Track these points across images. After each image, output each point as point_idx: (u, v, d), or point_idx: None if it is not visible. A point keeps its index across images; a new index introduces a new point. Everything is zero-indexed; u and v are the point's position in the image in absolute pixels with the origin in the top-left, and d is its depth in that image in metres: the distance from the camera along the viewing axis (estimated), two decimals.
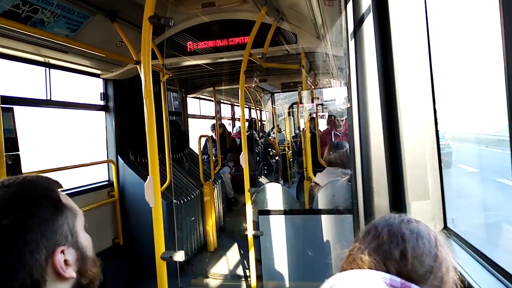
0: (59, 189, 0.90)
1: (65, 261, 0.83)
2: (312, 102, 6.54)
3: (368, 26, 1.66)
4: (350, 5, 1.77)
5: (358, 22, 1.69)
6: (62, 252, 0.83)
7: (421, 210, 1.42)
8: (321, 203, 3.18)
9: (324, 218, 3.14)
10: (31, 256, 0.78)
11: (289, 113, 9.84)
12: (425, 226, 0.93)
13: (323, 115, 7.83)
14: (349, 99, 1.79)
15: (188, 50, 4.19)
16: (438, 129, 1.47)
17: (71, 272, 0.84)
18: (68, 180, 4.13)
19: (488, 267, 1.10)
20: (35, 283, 0.79)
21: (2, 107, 2.59)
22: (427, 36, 1.53)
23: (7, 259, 0.76)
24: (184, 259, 1.92)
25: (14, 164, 2.98)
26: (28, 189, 0.84)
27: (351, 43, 1.76)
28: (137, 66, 3.78)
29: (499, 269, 1.07)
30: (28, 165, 3.26)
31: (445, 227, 1.47)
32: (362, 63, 1.67)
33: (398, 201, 1.52)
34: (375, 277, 0.82)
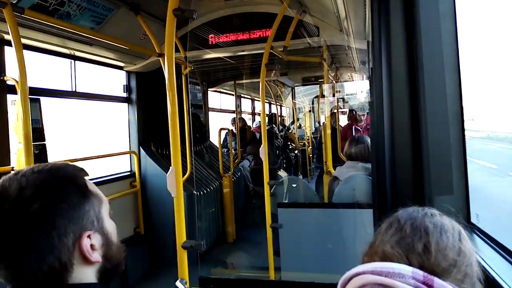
0: (86, 177, 0.93)
1: (91, 246, 0.86)
2: (333, 96, 6.49)
3: (395, 18, 1.63)
4: None
5: (385, 14, 1.67)
6: (89, 236, 0.86)
7: (444, 204, 1.40)
8: (341, 197, 3.17)
9: (344, 212, 3.12)
10: (60, 240, 0.81)
11: (310, 108, 9.79)
12: (449, 220, 0.92)
13: (344, 111, 7.77)
14: (372, 92, 1.77)
15: (210, 43, 4.21)
16: (465, 123, 1.45)
17: (97, 257, 0.87)
18: (92, 170, 4.23)
19: None
20: (63, 266, 0.82)
21: (29, 98, 2.66)
22: (455, 28, 1.50)
23: (37, 242, 0.80)
24: (204, 248, 1.95)
25: (40, 154, 3.07)
26: (57, 175, 0.87)
27: (376, 36, 1.74)
28: (160, 58, 3.82)
29: None
30: (54, 155, 3.36)
31: (469, 222, 1.46)
32: (387, 56, 1.64)
33: (420, 195, 1.50)
34: (397, 269, 0.82)
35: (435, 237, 0.86)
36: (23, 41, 3.06)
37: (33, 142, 2.73)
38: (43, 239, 0.80)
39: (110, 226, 0.93)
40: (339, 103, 6.24)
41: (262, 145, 3.48)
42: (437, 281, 0.81)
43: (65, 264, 0.82)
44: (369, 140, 3.23)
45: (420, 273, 0.81)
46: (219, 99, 8.13)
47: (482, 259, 1.10)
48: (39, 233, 0.80)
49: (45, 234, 0.80)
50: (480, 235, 1.33)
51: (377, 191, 2.08)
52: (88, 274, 0.87)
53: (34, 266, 0.80)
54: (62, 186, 0.85)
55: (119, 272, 0.96)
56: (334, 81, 6.52)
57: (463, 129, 1.46)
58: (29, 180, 0.83)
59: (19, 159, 2.86)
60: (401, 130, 1.59)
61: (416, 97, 1.52)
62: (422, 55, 1.46)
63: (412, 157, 1.54)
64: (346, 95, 7.09)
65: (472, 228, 1.41)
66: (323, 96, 6.36)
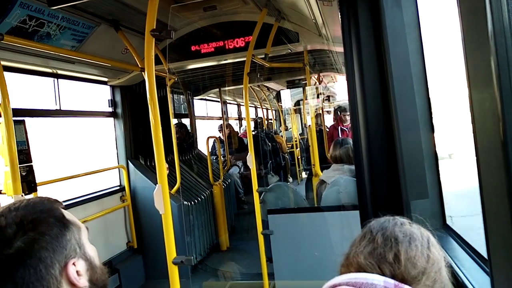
0: (61, 207, 0.97)
1: (77, 272, 0.90)
2: (318, 98, 6.55)
3: (364, 26, 1.68)
4: (344, 6, 1.80)
5: (354, 21, 1.72)
6: (74, 264, 0.89)
7: (420, 208, 1.45)
8: (329, 200, 3.21)
9: (332, 215, 3.17)
10: (47, 272, 0.85)
11: (296, 110, 9.85)
12: (418, 228, 0.97)
13: (329, 111, 7.84)
14: (349, 99, 1.82)
15: (192, 53, 4.24)
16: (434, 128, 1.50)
17: (84, 282, 0.91)
18: (82, 187, 4.23)
19: (481, 264, 1.13)
20: None
21: (13, 120, 2.66)
22: (419, 34, 1.55)
23: (25, 277, 0.83)
24: (194, 263, 1.98)
25: (27, 175, 3.05)
26: (34, 211, 0.90)
27: (348, 43, 1.79)
28: (143, 72, 3.84)
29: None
30: (42, 175, 3.34)
31: (444, 224, 1.51)
32: (359, 68, 1.69)
33: (398, 200, 1.55)
34: (370, 279, 0.87)
35: (405, 246, 0.91)
36: (4, 63, 3.06)
37: (19, 164, 2.73)
38: (31, 274, 0.83)
39: (91, 251, 0.97)
40: (324, 103, 6.30)
41: (249, 154, 3.52)
42: None
43: None
44: (351, 142, 3.28)
45: (391, 282, 0.86)
46: (205, 107, 8.16)
47: (455, 262, 1.15)
48: (27, 268, 0.83)
49: (33, 269, 0.83)
50: (455, 237, 1.38)
51: (362, 193, 2.13)
52: None
53: None
54: (41, 220, 0.88)
55: None
56: (317, 83, 6.59)
57: (433, 135, 1.51)
58: (8, 219, 0.86)
59: (6, 182, 2.84)
60: (376, 135, 1.64)
61: (388, 105, 1.57)
62: (391, 60, 1.51)
63: (388, 163, 1.59)
64: (331, 96, 7.16)
65: (447, 231, 1.46)
66: (307, 99, 6.43)
